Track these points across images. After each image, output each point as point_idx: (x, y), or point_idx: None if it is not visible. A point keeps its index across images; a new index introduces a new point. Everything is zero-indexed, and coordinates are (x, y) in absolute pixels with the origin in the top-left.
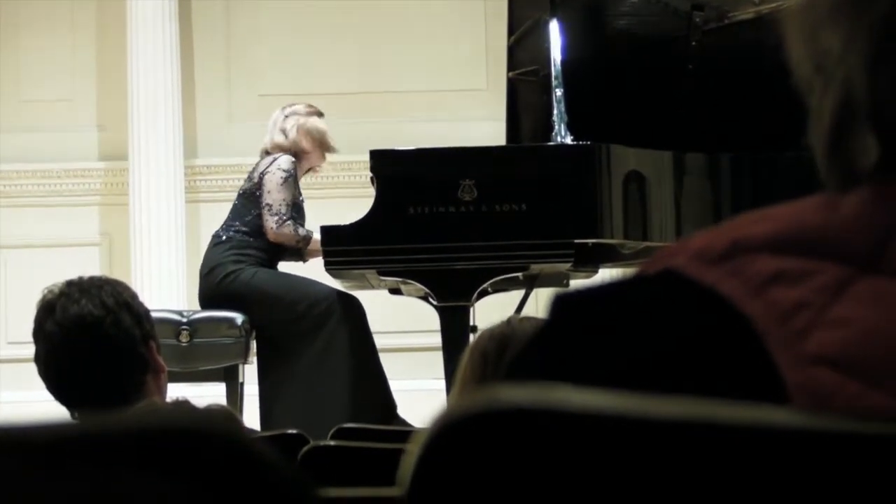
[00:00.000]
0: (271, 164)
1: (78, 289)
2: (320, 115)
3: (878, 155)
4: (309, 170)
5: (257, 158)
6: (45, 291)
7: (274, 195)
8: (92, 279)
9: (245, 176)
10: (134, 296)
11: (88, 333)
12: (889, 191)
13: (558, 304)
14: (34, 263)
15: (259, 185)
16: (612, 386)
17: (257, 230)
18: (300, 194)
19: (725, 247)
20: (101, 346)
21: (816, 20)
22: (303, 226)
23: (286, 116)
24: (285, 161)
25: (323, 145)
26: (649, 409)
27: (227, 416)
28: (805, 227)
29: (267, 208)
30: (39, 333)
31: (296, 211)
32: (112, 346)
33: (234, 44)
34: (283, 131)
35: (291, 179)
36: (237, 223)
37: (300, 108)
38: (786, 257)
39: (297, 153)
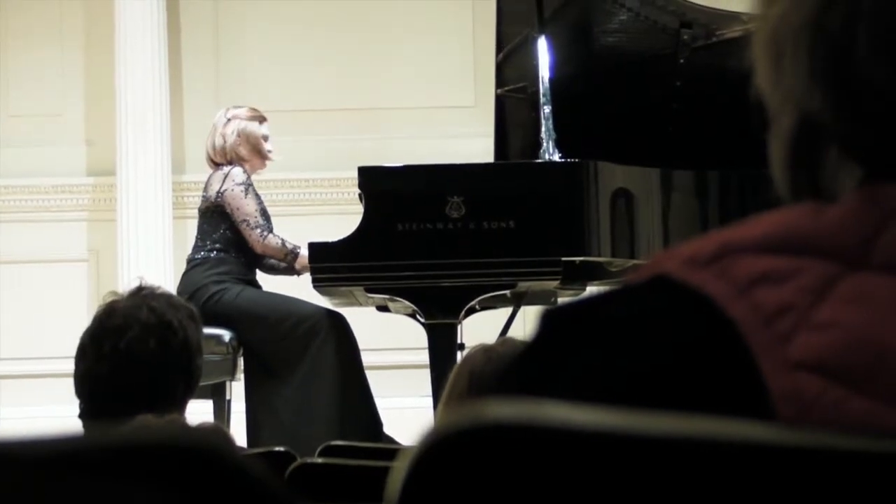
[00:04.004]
0: (224, 180)
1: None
2: (262, 120)
3: (860, 175)
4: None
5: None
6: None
7: (245, 209)
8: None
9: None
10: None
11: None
12: (876, 192)
13: (546, 318)
14: (21, 279)
15: (220, 204)
16: (601, 400)
17: (230, 243)
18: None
19: (713, 250)
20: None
21: (781, 43)
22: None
23: (228, 120)
24: (238, 174)
25: (257, 152)
26: (635, 425)
27: (219, 433)
28: (792, 228)
29: (245, 224)
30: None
31: (264, 217)
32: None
33: (223, 60)
34: (223, 136)
35: (251, 188)
36: (208, 242)
37: (242, 111)
38: (772, 257)
39: (231, 161)
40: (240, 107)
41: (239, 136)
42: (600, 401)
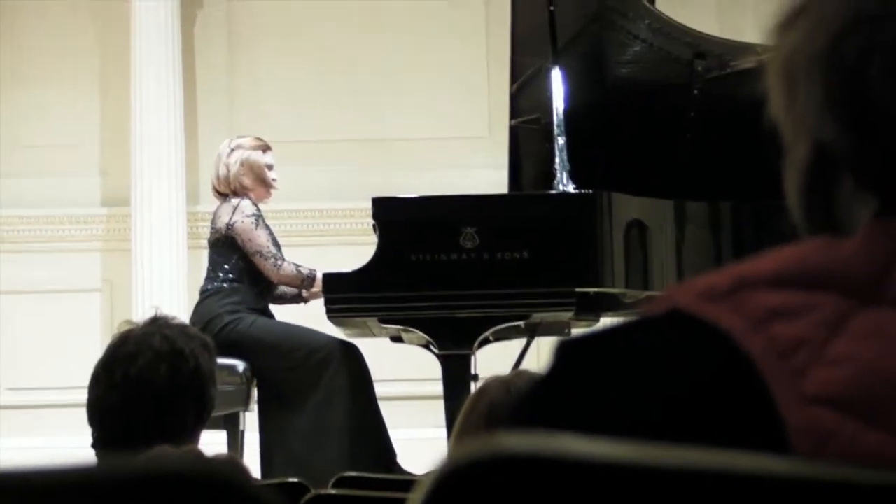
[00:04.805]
0: (234, 213)
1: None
2: (266, 148)
3: (876, 206)
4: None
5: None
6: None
7: (256, 241)
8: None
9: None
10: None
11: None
12: (889, 225)
13: (561, 350)
14: (35, 309)
15: (230, 236)
16: (616, 432)
17: (242, 273)
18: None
19: (728, 284)
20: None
21: (794, 73)
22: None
23: (231, 150)
24: (247, 206)
25: (262, 181)
26: (650, 457)
27: (235, 464)
28: (806, 263)
29: (258, 255)
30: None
31: (276, 247)
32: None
33: (237, 91)
34: (227, 166)
35: (261, 219)
36: (220, 273)
37: (245, 141)
38: (787, 291)
39: (236, 190)
40: (243, 136)
41: (243, 165)
42: (615, 433)
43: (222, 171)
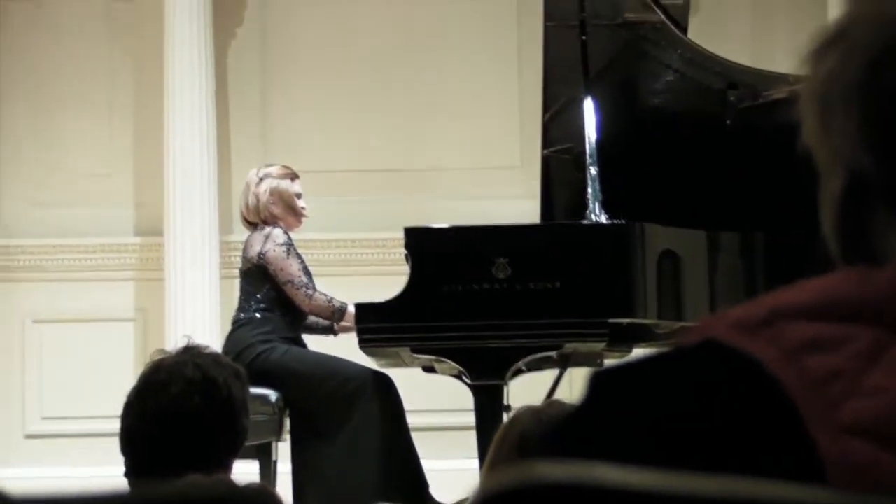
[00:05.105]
0: (265, 242)
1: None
2: (294, 177)
3: None
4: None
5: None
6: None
7: (288, 270)
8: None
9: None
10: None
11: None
12: None
13: (596, 380)
14: (69, 338)
15: (262, 265)
16: (650, 462)
17: (274, 303)
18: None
19: (763, 315)
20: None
21: (829, 101)
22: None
23: (260, 179)
24: (278, 235)
25: (291, 210)
26: (685, 486)
27: (267, 493)
28: (841, 295)
29: (290, 285)
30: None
31: (307, 276)
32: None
33: (270, 121)
34: (256, 195)
35: (293, 248)
36: (253, 303)
37: (274, 170)
38: (821, 323)
39: (266, 220)
40: (271, 165)
41: (272, 194)
42: (650, 463)
43: (251, 200)
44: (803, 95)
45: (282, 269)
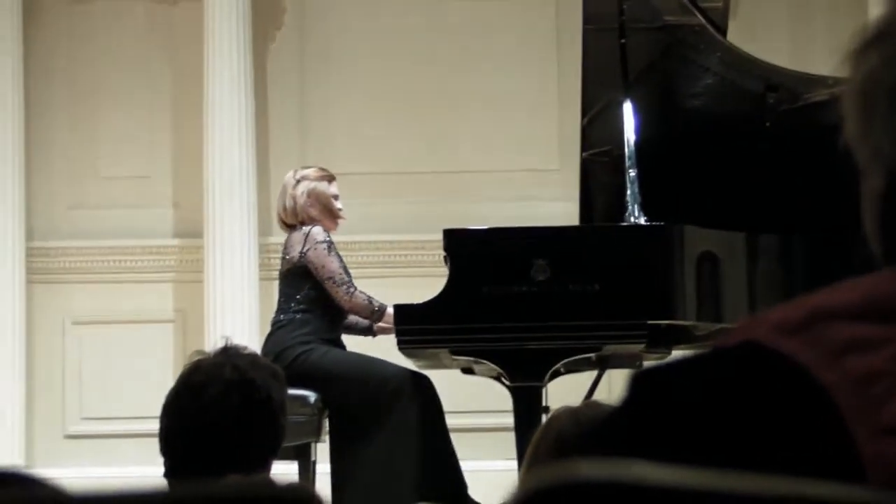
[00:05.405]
0: (305, 240)
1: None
2: (331, 179)
3: None
4: None
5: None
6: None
7: (329, 267)
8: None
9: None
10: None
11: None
12: None
13: (636, 381)
14: (109, 340)
15: (303, 265)
16: (690, 461)
17: (314, 303)
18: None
19: (804, 316)
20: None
21: (871, 99)
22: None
23: (297, 181)
24: (318, 233)
25: (329, 212)
26: (725, 484)
27: (307, 493)
28: (882, 295)
29: (330, 282)
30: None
31: (348, 275)
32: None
33: (309, 122)
34: (294, 197)
35: (333, 246)
36: (292, 304)
37: (311, 172)
38: (862, 324)
39: (304, 221)
40: (308, 167)
41: (309, 196)
42: (689, 462)
43: (289, 202)
44: (844, 94)
45: (323, 266)
